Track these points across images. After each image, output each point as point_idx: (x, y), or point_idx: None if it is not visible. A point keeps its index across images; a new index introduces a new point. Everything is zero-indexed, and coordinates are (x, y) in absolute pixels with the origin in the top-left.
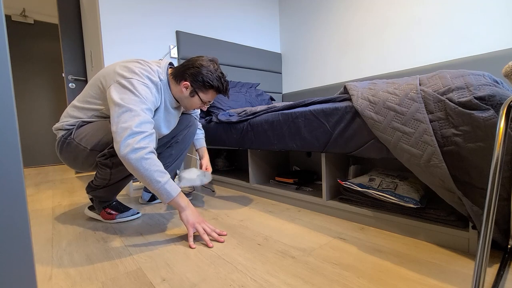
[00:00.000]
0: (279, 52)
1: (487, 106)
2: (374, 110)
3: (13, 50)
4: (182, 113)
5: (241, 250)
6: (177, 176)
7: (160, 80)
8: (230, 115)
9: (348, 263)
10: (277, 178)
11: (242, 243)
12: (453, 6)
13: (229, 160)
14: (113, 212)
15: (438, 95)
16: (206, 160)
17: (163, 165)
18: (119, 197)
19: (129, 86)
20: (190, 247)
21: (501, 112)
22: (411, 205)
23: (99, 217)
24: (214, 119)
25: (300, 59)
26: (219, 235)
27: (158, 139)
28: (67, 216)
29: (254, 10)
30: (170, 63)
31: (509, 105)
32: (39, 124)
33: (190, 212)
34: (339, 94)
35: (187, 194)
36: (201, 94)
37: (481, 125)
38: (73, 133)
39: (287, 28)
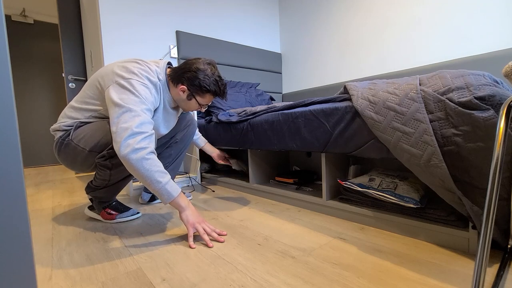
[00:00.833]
0: (279, 52)
1: (487, 106)
2: (374, 110)
3: (13, 50)
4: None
5: (241, 250)
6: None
7: (159, 80)
8: (230, 115)
9: (348, 263)
10: (277, 178)
11: (242, 243)
12: (453, 6)
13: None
14: (113, 212)
15: (438, 95)
16: (217, 150)
17: (163, 165)
18: (119, 197)
19: (129, 87)
20: (190, 247)
21: (501, 112)
22: (411, 205)
23: (99, 217)
24: (214, 119)
25: (300, 59)
26: (219, 235)
27: (157, 139)
28: (67, 216)
29: (254, 10)
30: (169, 63)
31: (509, 105)
32: (39, 124)
33: (190, 212)
34: (339, 94)
35: (187, 194)
36: (198, 98)
37: (481, 125)
38: (71, 134)
39: (287, 28)
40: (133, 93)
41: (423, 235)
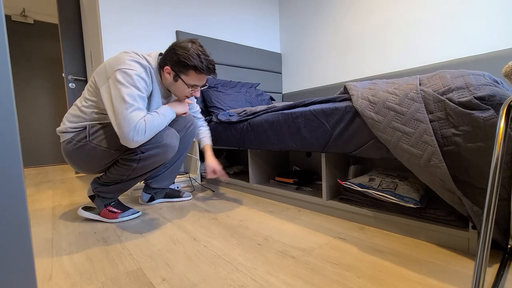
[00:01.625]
0: (279, 52)
1: (487, 106)
2: (374, 110)
3: (13, 50)
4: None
5: (241, 250)
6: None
7: (150, 65)
8: (230, 115)
9: (348, 263)
10: (277, 178)
11: (242, 243)
12: (453, 6)
13: (229, 160)
14: (116, 211)
15: (438, 95)
16: (210, 162)
17: (164, 167)
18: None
19: (121, 79)
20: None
21: (501, 112)
22: (411, 205)
23: (96, 217)
24: (214, 119)
25: (300, 59)
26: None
27: None
28: (67, 216)
29: (254, 10)
30: (161, 53)
31: (509, 105)
32: (39, 124)
33: (177, 107)
34: (339, 94)
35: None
36: (183, 77)
37: (481, 125)
38: (88, 135)
39: (287, 28)
40: (123, 84)
41: (423, 235)
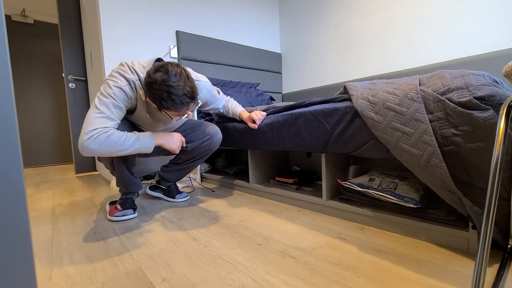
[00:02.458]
0: (279, 52)
1: (487, 106)
2: (374, 110)
3: (13, 50)
4: (203, 122)
5: (241, 250)
6: None
7: (139, 77)
8: None
9: (348, 263)
10: (277, 178)
11: (242, 243)
12: (453, 6)
13: (229, 160)
14: (119, 208)
15: (438, 95)
16: (249, 116)
17: (173, 164)
18: None
19: (102, 90)
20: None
21: (501, 112)
22: (411, 205)
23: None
24: (215, 118)
25: (300, 59)
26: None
27: None
28: (67, 216)
29: (254, 10)
30: (158, 59)
31: (509, 105)
32: (39, 124)
33: (170, 138)
34: (339, 94)
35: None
36: (164, 111)
37: (481, 125)
38: None
39: (287, 28)
40: (104, 96)
41: (423, 235)
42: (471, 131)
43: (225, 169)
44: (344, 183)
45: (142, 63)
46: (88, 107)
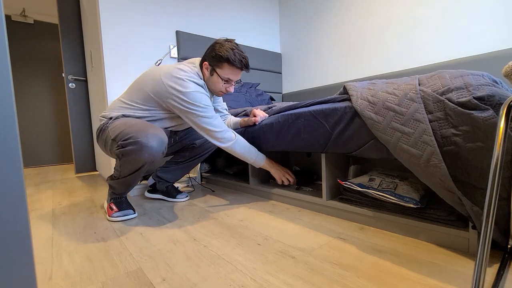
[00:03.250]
0: (279, 52)
1: (487, 106)
2: (373, 110)
3: (13, 50)
4: None
5: (241, 250)
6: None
7: (199, 77)
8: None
9: (348, 263)
10: None
11: (242, 243)
12: (453, 6)
13: (229, 160)
14: (114, 208)
15: (438, 95)
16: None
17: (175, 162)
18: None
19: (194, 101)
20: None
21: (501, 112)
22: (411, 205)
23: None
24: None
25: (300, 59)
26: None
27: (181, 140)
28: (67, 216)
29: (254, 10)
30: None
31: (509, 105)
32: (39, 124)
33: (274, 170)
34: (339, 94)
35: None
36: (218, 70)
37: (481, 125)
38: (109, 122)
39: (287, 28)
40: (199, 105)
41: (423, 235)
42: (471, 131)
43: (225, 169)
44: (344, 183)
45: (193, 67)
46: (88, 107)
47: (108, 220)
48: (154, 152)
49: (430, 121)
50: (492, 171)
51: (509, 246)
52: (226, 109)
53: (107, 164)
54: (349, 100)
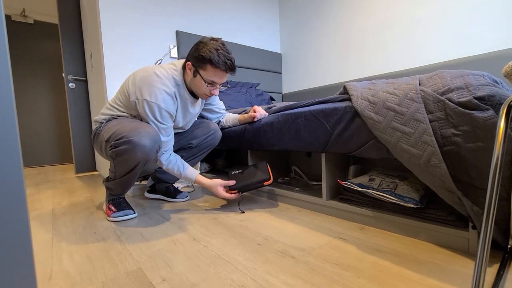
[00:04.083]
0: (279, 52)
1: (487, 106)
2: (373, 110)
3: (13, 50)
4: (206, 119)
5: (241, 250)
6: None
7: (177, 84)
8: None
9: (348, 263)
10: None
11: (242, 243)
12: (453, 6)
13: (229, 160)
14: (113, 209)
15: (438, 95)
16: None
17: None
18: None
19: (155, 110)
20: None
21: (501, 112)
22: (411, 205)
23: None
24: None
25: (300, 59)
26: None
27: (179, 138)
28: (67, 216)
29: (254, 10)
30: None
31: (509, 105)
32: (39, 124)
33: (207, 186)
34: (339, 94)
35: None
36: (201, 72)
37: (481, 125)
38: (103, 125)
39: (287, 28)
40: (159, 116)
41: (423, 235)
42: (471, 131)
43: (225, 169)
44: (344, 183)
45: (174, 71)
46: (88, 107)
47: (108, 220)
48: (147, 150)
49: (431, 121)
50: (492, 171)
51: (509, 246)
52: (223, 109)
53: (107, 164)
54: (349, 100)
